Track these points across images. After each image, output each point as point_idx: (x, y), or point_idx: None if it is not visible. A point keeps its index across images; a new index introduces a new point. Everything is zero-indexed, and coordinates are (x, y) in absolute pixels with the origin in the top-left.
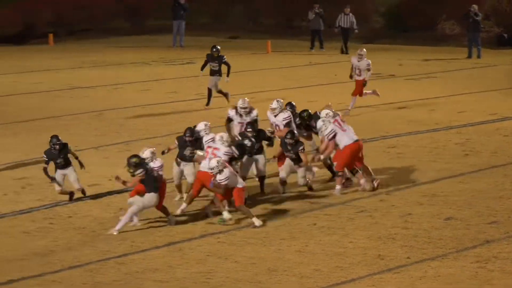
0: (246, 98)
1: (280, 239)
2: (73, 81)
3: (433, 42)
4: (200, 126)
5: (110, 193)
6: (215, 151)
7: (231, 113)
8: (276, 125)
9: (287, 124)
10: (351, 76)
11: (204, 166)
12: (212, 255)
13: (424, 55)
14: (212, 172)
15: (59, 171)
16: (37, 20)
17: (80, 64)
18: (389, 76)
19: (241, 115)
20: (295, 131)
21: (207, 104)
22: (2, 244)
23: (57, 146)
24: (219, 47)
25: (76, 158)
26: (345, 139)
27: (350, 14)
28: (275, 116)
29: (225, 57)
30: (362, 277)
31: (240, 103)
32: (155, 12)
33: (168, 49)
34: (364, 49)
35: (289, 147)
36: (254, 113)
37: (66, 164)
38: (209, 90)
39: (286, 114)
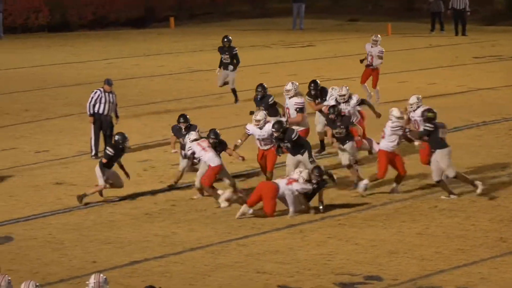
0: (345, 86)
1: (400, 222)
2: (193, 64)
3: None
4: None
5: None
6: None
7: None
8: (287, 108)
9: (300, 110)
10: (361, 61)
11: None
12: (332, 237)
13: None
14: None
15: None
16: (159, 4)
17: (201, 47)
18: (511, 57)
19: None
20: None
21: (236, 101)
22: (125, 226)
23: (183, 125)
24: (230, 37)
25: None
26: None
27: None
28: (290, 98)
29: (236, 49)
30: (484, 260)
31: (338, 91)
32: None
33: (288, 32)
34: (379, 35)
35: (338, 123)
36: (354, 99)
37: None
38: (232, 90)
39: (300, 99)
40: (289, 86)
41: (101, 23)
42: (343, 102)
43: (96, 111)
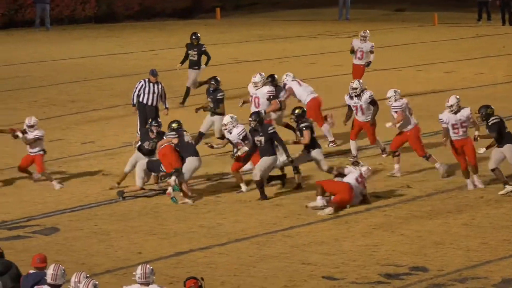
0: (359, 80)
1: (446, 212)
2: (239, 55)
3: None
4: (227, 119)
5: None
6: None
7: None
8: (256, 97)
9: (274, 97)
10: (352, 52)
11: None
12: (378, 228)
13: None
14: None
15: None
16: None
17: (247, 38)
18: None
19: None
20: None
21: (183, 102)
22: (170, 217)
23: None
24: (198, 34)
25: None
26: None
27: None
28: (257, 89)
29: (205, 46)
30: None
31: (350, 85)
32: None
33: (334, 22)
34: (368, 31)
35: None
36: (367, 94)
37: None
38: (187, 89)
39: (271, 87)
40: (257, 78)
41: (148, 14)
42: (355, 96)
43: (140, 101)
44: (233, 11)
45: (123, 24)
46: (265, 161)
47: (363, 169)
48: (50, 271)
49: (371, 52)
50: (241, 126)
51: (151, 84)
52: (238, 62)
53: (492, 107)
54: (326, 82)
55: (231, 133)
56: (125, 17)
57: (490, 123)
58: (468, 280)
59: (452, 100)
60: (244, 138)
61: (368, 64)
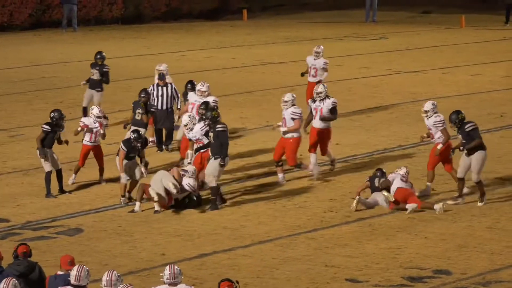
0: (323, 84)
1: (471, 216)
2: (265, 56)
3: None
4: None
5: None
6: None
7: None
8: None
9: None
10: (302, 74)
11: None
12: (401, 231)
13: None
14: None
15: None
16: None
17: (273, 39)
18: None
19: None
20: None
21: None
22: (194, 219)
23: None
24: (104, 54)
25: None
26: None
27: None
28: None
29: (108, 67)
30: None
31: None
32: None
33: (361, 24)
34: (322, 46)
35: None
36: (331, 100)
37: None
38: (83, 109)
39: (297, 109)
40: (287, 98)
41: (174, 15)
42: (319, 100)
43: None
44: (260, 13)
45: (149, 25)
46: (212, 165)
47: (403, 170)
48: (73, 272)
49: (324, 69)
50: (202, 122)
51: (159, 88)
52: (264, 63)
53: (463, 112)
54: (352, 84)
55: (192, 130)
56: (152, 18)
57: (468, 130)
58: (492, 284)
59: (426, 106)
60: (206, 134)
61: (319, 82)
